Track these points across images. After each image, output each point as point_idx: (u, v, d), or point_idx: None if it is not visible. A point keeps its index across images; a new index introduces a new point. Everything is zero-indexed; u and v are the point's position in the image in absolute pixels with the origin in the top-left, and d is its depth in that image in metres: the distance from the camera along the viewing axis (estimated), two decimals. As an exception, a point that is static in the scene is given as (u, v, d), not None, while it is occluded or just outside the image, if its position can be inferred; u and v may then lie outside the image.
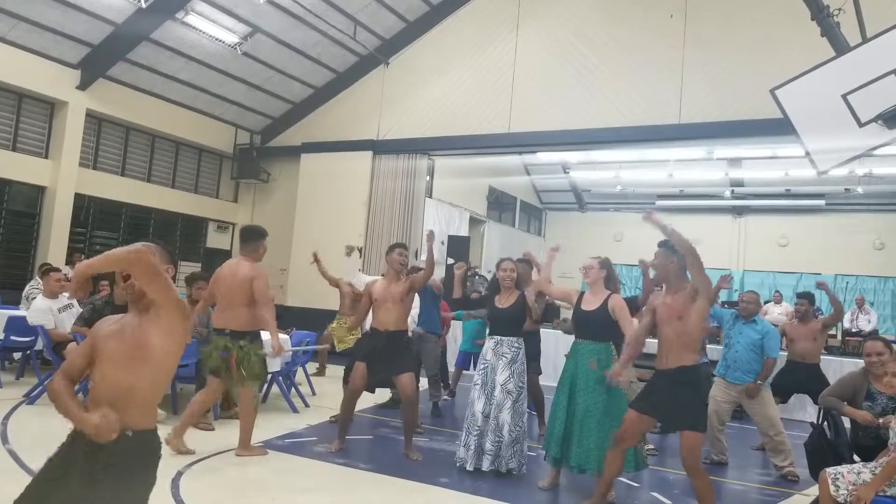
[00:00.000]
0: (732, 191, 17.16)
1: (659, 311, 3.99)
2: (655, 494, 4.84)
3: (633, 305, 4.86)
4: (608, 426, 4.36)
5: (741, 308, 5.96)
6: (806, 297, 6.59)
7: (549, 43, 11.68)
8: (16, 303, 8.45)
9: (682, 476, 5.24)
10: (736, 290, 17.21)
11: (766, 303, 11.96)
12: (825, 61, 6.42)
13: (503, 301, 5.11)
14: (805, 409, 8.02)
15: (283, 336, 7.14)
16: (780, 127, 8.88)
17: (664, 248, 4.05)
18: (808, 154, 6.68)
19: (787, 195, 16.69)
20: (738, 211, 17.97)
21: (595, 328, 4.58)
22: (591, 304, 4.66)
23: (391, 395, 7.34)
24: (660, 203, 18.23)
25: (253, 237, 5.07)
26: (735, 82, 9.99)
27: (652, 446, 6.15)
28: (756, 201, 17.45)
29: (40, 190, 11.00)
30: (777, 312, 12.01)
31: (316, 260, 8.57)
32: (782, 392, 6.47)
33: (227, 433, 5.36)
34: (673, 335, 3.87)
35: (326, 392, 7.82)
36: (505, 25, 12.01)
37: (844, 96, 6.06)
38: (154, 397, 2.16)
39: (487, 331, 5.26)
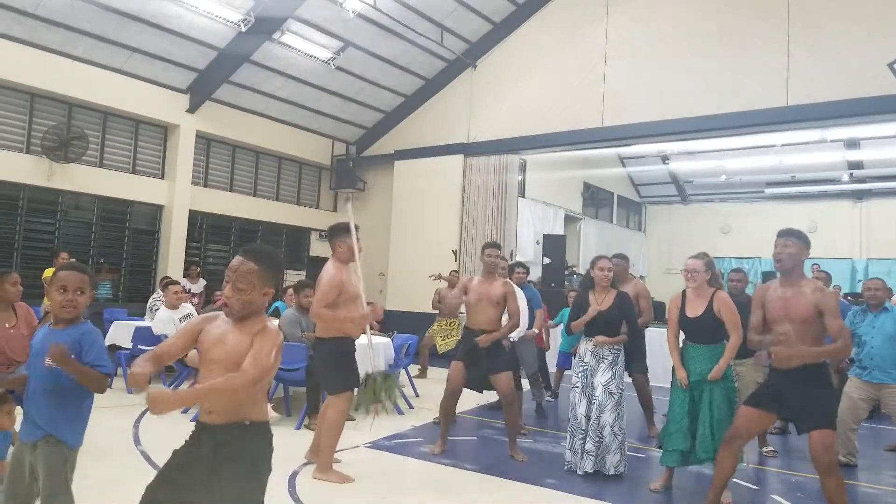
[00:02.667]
0: (851, 174, 15.99)
1: (775, 306, 3.69)
2: (777, 498, 4.56)
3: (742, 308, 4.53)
4: (725, 421, 4.16)
5: (868, 297, 5.44)
6: None
7: (640, 31, 11.32)
8: (141, 314, 9.10)
9: (806, 479, 4.95)
10: (860, 281, 16.02)
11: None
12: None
13: (600, 301, 4.95)
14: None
15: (384, 339, 7.31)
16: (903, 101, 8.23)
17: (792, 236, 3.73)
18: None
19: (915, 175, 15.37)
20: (859, 195, 16.72)
21: (704, 333, 4.35)
22: (696, 307, 4.39)
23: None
24: (769, 191, 17.30)
25: (330, 235, 4.71)
26: (847, 57, 9.29)
27: (772, 448, 5.82)
28: (879, 184, 16.17)
29: (158, 209, 11.79)
30: (907, 302, 11.03)
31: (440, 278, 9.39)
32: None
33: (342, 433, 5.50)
34: (794, 335, 3.60)
35: (429, 394, 7.90)
36: (593, 17, 11.75)
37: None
38: (255, 394, 2.27)
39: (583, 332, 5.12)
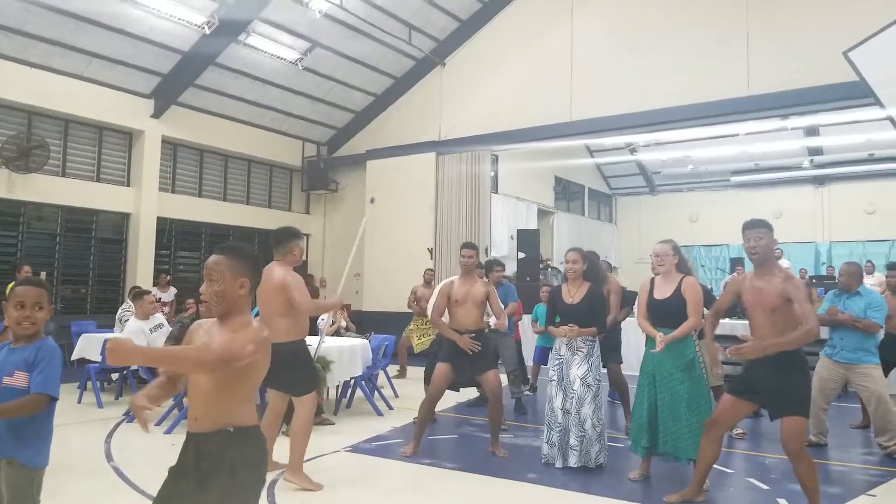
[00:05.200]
0: (811, 160, 16.39)
1: (749, 297, 3.78)
2: (752, 480, 4.67)
3: (709, 298, 4.67)
4: (694, 412, 4.28)
5: (840, 282, 5.70)
6: None
7: (605, 25, 11.46)
8: (110, 326, 8.94)
9: (779, 460, 5.07)
10: (823, 264, 16.40)
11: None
12: (904, 15, 6.04)
13: (572, 294, 4.98)
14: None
15: (362, 341, 7.29)
16: (858, 90, 8.46)
17: (762, 227, 3.79)
18: (889, 117, 6.32)
19: (872, 160, 15.84)
20: (820, 180, 17.16)
21: (670, 317, 4.43)
22: (664, 291, 4.51)
23: (479, 393, 7.34)
24: (735, 179, 17.62)
25: (284, 238, 4.59)
26: (805, 46, 9.52)
27: (741, 430, 5.96)
28: (838, 169, 16.60)
29: (125, 217, 11.59)
30: (869, 284, 11.30)
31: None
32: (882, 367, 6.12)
33: (321, 437, 5.49)
34: (767, 323, 3.69)
35: (409, 394, 7.91)
36: (559, 12, 11.85)
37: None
38: (241, 396, 2.19)
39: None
